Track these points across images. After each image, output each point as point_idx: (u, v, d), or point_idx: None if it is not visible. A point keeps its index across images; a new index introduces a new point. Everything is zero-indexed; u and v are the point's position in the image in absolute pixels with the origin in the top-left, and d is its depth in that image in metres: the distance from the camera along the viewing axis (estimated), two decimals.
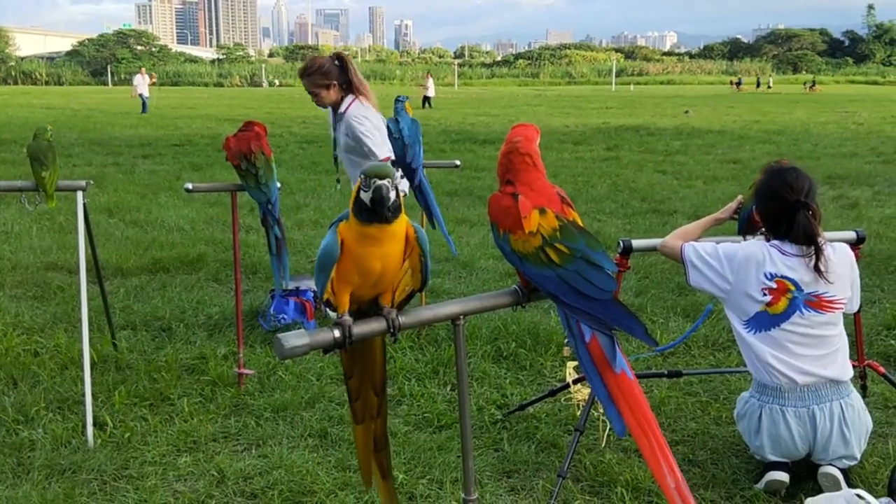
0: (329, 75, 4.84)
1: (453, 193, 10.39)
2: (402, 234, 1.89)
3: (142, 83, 30.35)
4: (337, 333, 1.81)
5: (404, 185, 5.01)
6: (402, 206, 1.87)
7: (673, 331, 5.00)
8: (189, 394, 4.05)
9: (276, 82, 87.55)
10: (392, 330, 1.87)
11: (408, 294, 2.02)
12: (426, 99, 35.24)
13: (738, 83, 64.39)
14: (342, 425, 3.71)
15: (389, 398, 4.02)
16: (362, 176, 1.82)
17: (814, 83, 61.13)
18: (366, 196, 1.81)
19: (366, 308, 1.94)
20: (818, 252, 3.03)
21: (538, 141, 2.12)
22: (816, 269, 3.02)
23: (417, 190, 4.69)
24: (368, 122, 4.80)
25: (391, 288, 1.94)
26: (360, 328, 1.85)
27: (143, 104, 29.39)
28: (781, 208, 3.07)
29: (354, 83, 4.91)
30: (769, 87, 62.52)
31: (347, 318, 1.84)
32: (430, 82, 36.62)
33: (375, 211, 1.80)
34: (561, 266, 1.95)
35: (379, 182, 1.79)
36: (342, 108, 4.87)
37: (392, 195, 1.80)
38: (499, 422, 3.78)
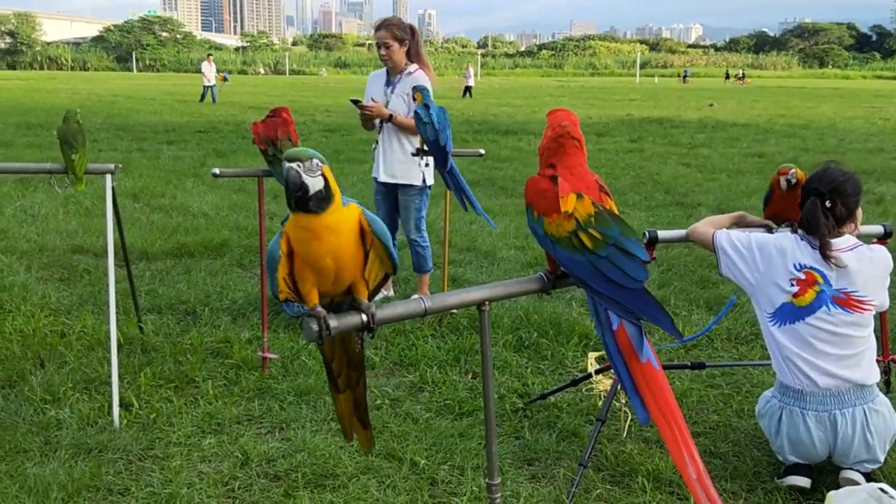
0: (406, 32, 5.03)
1: (475, 183, 10.37)
2: (349, 227, 1.80)
3: (208, 71, 28.62)
4: (364, 318, 1.83)
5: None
6: (335, 197, 1.78)
7: (696, 323, 4.99)
8: (214, 377, 4.09)
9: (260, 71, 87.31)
10: (370, 324, 1.84)
11: (381, 279, 1.98)
12: (467, 89, 35.31)
13: (685, 75, 68.16)
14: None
15: (411, 385, 4.05)
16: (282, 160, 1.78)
17: (743, 75, 63.67)
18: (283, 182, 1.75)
19: (339, 300, 1.92)
20: (822, 243, 3.01)
21: None
22: (824, 255, 3.01)
23: (449, 174, 4.72)
24: (429, 91, 4.91)
25: (359, 281, 1.88)
26: (339, 322, 1.81)
27: (204, 93, 28.15)
28: (805, 198, 3.10)
29: (421, 55, 5.12)
30: (739, 79, 65.15)
31: (321, 310, 1.80)
32: (471, 72, 36.87)
33: (288, 197, 1.74)
34: (593, 252, 1.96)
35: (287, 165, 1.73)
36: (408, 71, 5.03)
37: (307, 181, 1.73)
38: (520, 410, 3.79)
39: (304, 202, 1.74)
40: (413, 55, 5.10)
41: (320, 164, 1.76)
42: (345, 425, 2.22)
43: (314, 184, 1.74)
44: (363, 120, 5.11)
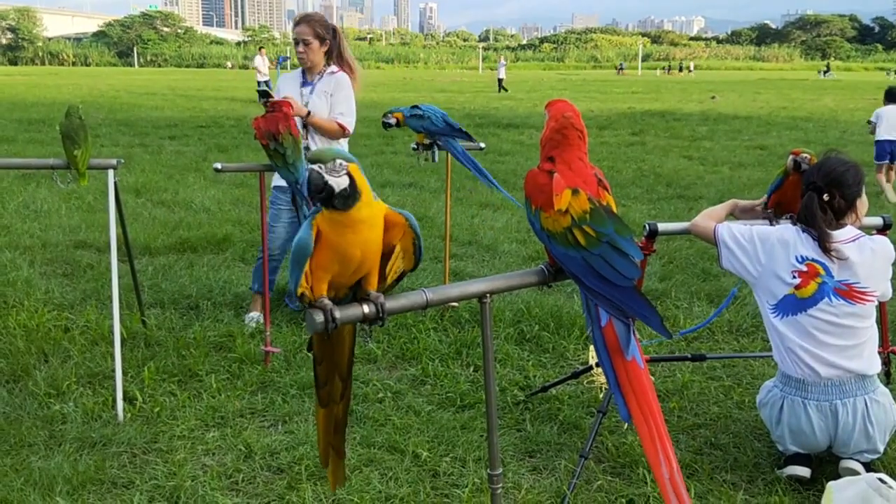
0: (327, 30, 4.70)
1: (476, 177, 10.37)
2: (378, 220, 1.85)
3: (262, 65, 26.37)
4: (367, 309, 1.84)
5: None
6: (362, 194, 1.80)
7: (697, 316, 5.00)
8: (217, 370, 4.11)
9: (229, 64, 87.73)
10: (380, 314, 1.86)
11: (399, 276, 2.00)
12: (500, 82, 34.66)
13: (621, 67, 71.77)
14: (367, 403, 3.76)
15: (413, 377, 4.06)
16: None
17: (669, 67, 67.94)
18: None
19: (342, 296, 1.93)
20: (821, 237, 3.04)
21: None
22: (823, 248, 3.03)
23: (463, 156, 4.83)
24: (353, 95, 4.69)
25: (374, 273, 1.91)
26: (343, 313, 1.83)
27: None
28: (805, 192, 3.13)
29: (346, 58, 4.80)
30: (690, 70, 70.71)
31: (327, 302, 1.82)
32: (503, 62, 36.11)
33: (311, 197, 1.78)
34: (586, 249, 1.97)
35: (310, 166, 1.76)
36: (331, 70, 4.71)
37: (330, 181, 1.75)
38: (521, 403, 3.81)
39: (329, 201, 1.77)
40: (335, 57, 4.76)
41: (344, 163, 1.78)
42: (322, 447, 2.21)
43: (339, 183, 1.76)
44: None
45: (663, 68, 72.66)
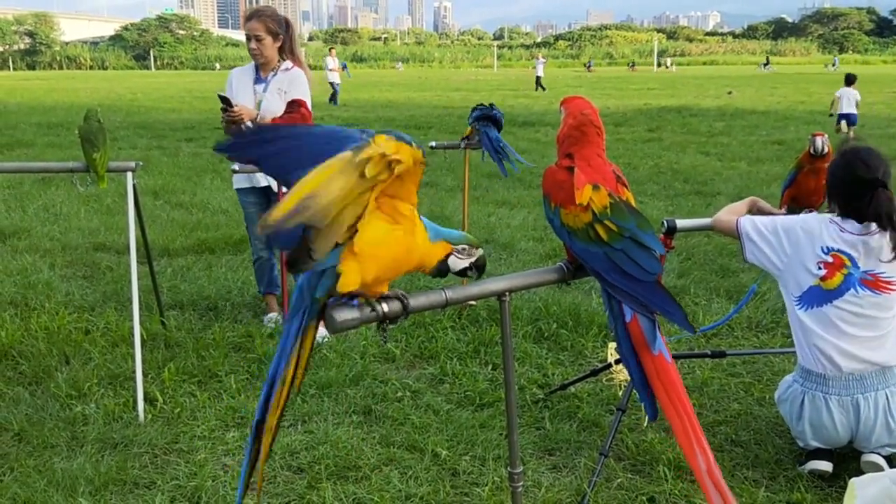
0: (280, 26, 4.62)
1: (493, 175, 10.36)
2: None
3: (333, 65, 25.69)
4: (396, 306, 1.85)
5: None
6: None
7: (716, 312, 4.97)
8: (236, 371, 4.12)
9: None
10: (406, 311, 1.90)
11: None
12: (538, 80, 34.42)
13: (589, 65, 75.92)
14: (385, 402, 3.76)
15: (432, 376, 4.07)
16: (460, 247, 1.94)
17: (633, 63, 73.55)
18: (461, 262, 1.94)
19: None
20: (894, 231, 2.98)
21: None
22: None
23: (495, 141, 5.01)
24: (309, 90, 4.64)
25: None
26: (391, 306, 1.87)
27: (334, 94, 25.24)
28: (857, 187, 3.02)
29: (296, 52, 4.74)
30: (671, 67, 74.00)
31: (398, 291, 1.91)
32: (542, 61, 35.68)
33: (477, 274, 1.98)
34: (608, 244, 1.97)
35: (482, 252, 1.96)
36: (284, 67, 4.64)
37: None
38: (540, 401, 3.81)
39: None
40: (287, 51, 4.68)
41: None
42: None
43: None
44: (227, 123, 4.59)
45: (628, 64, 74.69)
